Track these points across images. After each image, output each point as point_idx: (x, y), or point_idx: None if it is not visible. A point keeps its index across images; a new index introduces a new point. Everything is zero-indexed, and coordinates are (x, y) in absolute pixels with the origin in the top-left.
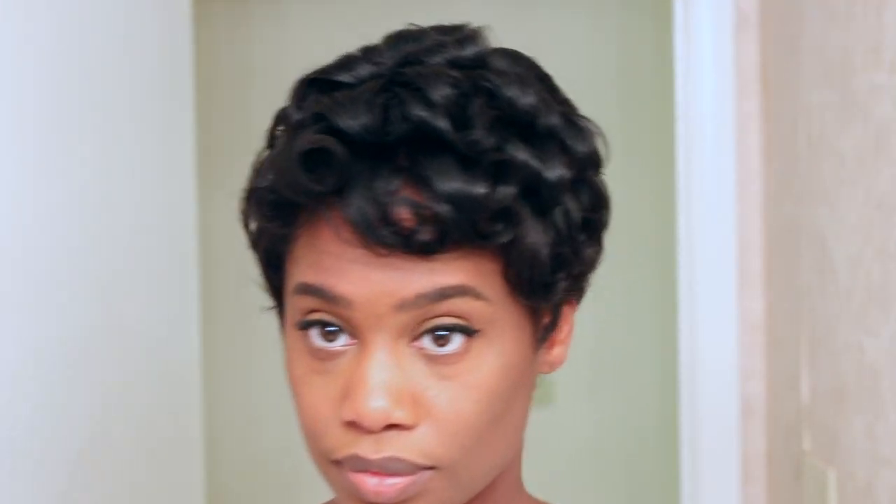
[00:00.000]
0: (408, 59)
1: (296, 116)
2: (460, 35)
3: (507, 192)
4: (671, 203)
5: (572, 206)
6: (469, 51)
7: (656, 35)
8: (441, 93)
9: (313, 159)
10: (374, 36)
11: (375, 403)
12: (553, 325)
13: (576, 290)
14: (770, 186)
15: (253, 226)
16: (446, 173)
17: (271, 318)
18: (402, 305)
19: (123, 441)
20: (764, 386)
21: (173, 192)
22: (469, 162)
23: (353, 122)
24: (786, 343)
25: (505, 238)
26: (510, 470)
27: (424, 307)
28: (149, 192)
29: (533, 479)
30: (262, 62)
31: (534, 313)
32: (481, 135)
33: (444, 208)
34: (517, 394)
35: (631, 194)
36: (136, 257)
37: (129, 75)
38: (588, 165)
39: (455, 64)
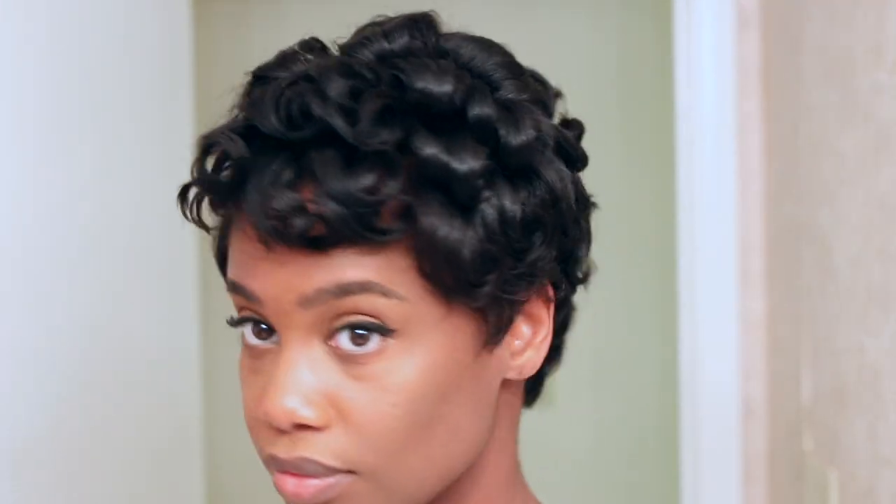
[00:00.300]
0: (339, 55)
1: (236, 113)
2: (395, 25)
3: (394, 185)
4: (671, 203)
5: (507, 202)
6: (397, 43)
7: (657, 35)
8: (336, 88)
9: (219, 157)
10: None
11: (281, 402)
12: (504, 328)
13: (534, 290)
14: (771, 186)
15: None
16: (331, 169)
17: None
18: (304, 301)
19: (123, 441)
20: (765, 386)
21: (173, 192)
22: (357, 157)
23: (263, 120)
24: (787, 343)
25: (398, 234)
26: (490, 472)
27: (327, 303)
28: (148, 191)
29: (533, 478)
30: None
31: (477, 313)
32: (366, 127)
33: (329, 205)
34: (451, 398)
35: (631, 194)
36: (136, 257)
37: (129, 75)
38: (527, 157)
39: (381, 56)
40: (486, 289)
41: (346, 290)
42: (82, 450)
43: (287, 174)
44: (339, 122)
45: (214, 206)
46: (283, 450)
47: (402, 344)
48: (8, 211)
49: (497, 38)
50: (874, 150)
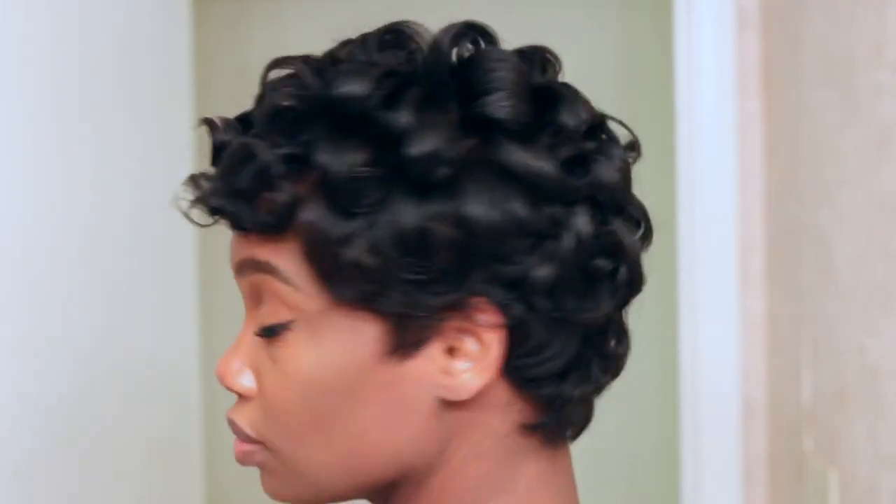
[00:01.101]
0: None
1: None
2: (372, 32)
3: (282, 184)
4: (672, 203)
5: (401, 214)
6: (341, 51)
7: (657, 34)
8: (271, 97)
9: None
10: None
11: (221, 366)
12: (413, 342)
13: (459, 311)
14: (771, 186)
15: None
16: (223, 166)
17: None
18: (236, 269)
19: (123, 441)
20: (765, 386)
21: (173, 192)
22: (247, 156)
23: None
24: (787, 343)
25: (271, 228)
26: (447, 494)
27: (247, 277)
28: (149, 191)
29: None
30: (262, 62)
31: (382, 320)
32: (258, 130)
33: (216, 199)
34: (352, 398)
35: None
36: (136, 257)
37: (129, 75)
38: (426, 170)
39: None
40: (373, 296)
41: (254, 265)
42: (82, 450)
43: (211, 168)
44: (234, 125)
45: None
46: (230, 410)
47: (302, 334)
48: (8, 211)
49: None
50: (875, 149)
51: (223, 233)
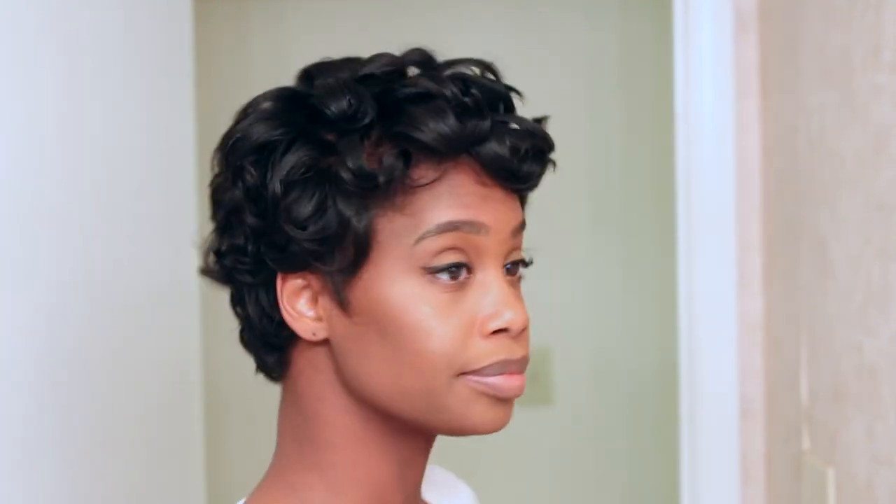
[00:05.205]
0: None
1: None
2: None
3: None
4: (671, 203)
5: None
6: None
7: (656, 35)
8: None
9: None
10: (373, 36)
11: (519, 312)
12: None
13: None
14: (770, 187)
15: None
16: (525, 121)
17: None
18: (514, 232)
19: (123, 441)
20: (763, 386)
21: (173, 192)
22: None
23: (458, 92)
24: (785, 343)
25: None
26: None
27: (519, 235)
28: (149, 191)
29: (532, 477)
30: (262, 62)
31: None
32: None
33: (542, 144)
34: None
35: (630, 194)
36: (136, 256)
37: (129, 75)
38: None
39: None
40: None
41: (523, 225)
42: (82, 450)
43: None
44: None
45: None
46: (514, 352)
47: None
48: (8, 211)
49: (497, 38)
50: (873, 150)
51: None
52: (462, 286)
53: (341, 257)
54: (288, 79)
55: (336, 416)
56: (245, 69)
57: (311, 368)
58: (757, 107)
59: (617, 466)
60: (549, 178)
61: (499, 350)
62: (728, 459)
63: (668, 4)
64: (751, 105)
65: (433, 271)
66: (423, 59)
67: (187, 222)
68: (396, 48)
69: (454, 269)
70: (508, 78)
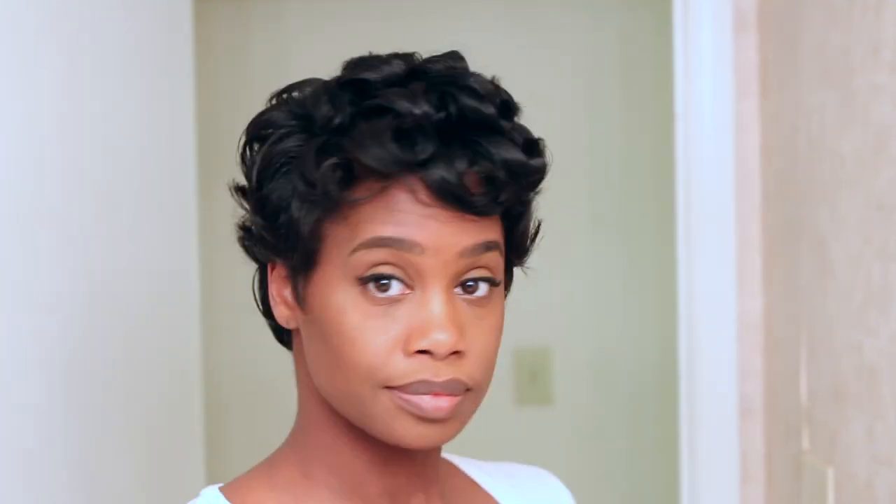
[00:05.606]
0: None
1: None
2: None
3: (541, 161)
4: (670, 203)
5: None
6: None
7: (656, 35)
8: (485, 87)
9: (406, 136)
10: (373, 36)
11: (447, 335)
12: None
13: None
14: (769, 186)
15: (292, 201)
16: (502, 146)
17: None
18: (462, 254)
19: (123, 441)
20: (763, 385)
21: (174, 192)
22: (513, 140)
23: (417, 109)
24: (785, 343)
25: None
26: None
27: (474, 257)
28: (149, 191)
29: None
30: (262, 62)
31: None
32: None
33: (501, 173)
34: None
35: (630, 194)
36: (137, 256)
37: (129, 75)
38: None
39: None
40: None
41: (488, 246)
42: (82, 449)
43: (463, 153)
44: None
45: (348, 181)
46: (435, 374)
47: (497, 292)
48: (9, 211)
49: (497, 38)
50: (873, 150)
51: (224, 231)
52: (396, 301)
53: (297, 256)
54: (288, 79)
55: (312, 404)
56: (245, 69)
57: (298, 352)
58: (756, 106)
59: (617, 466)
60: (549, 178)
61: (420, 370)
62: (727, 459)
63: (667, 4)
64: (750, 105)
65: (364, 282)
66: (438, 64)
67: (187, 222)
68: (396, 48)
69: (383, 283)
70: (508, 78)
